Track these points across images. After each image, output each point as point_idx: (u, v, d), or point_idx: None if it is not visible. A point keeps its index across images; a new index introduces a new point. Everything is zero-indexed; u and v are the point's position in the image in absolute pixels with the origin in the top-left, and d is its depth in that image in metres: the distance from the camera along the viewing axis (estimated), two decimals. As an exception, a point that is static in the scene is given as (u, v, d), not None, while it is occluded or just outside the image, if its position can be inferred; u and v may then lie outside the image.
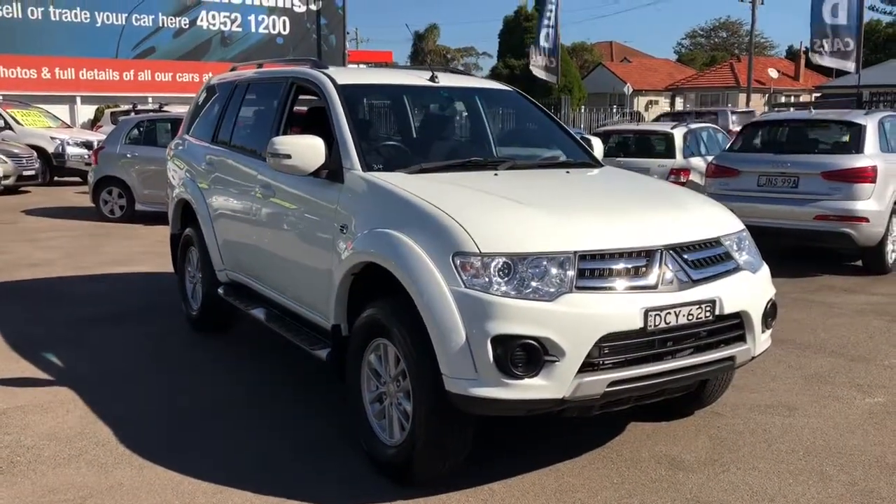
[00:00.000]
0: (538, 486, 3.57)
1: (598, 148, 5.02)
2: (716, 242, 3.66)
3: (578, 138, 4.93)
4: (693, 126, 12.08)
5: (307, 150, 4.08)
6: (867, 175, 8.00)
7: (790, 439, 4.07)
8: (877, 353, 5.60)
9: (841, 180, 8.04)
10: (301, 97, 5.00)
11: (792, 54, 68.00)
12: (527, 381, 3.12)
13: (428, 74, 4.85)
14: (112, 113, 22.06)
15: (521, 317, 3.10)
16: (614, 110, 37.48)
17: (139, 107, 19.73)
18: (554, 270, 3.20)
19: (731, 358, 3.58)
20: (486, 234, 3.25)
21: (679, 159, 11.07)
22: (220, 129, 5.78)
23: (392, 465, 3.57)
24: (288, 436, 4.11)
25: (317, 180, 4.18)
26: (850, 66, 13.90)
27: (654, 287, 3.32)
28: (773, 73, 49.88)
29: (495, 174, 4.09)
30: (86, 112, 27.08)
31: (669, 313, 3.31)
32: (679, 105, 52.05)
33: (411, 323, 3.36)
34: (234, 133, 5.54)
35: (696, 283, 3.44)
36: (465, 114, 4.91)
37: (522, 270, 3.18)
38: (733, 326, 3.58)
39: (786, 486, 3.56)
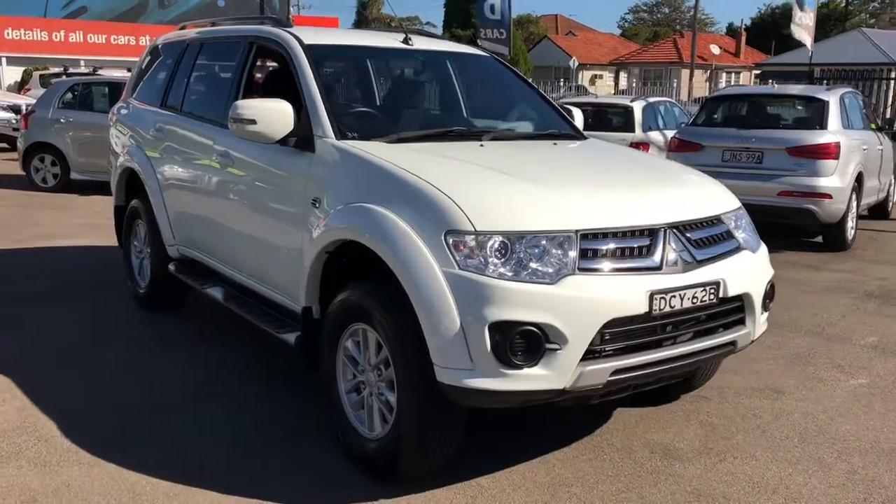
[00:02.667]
0: (529, 479, 3.34)
1: (579, 119, 4.77)
2: (717, 220, 3.45)
3: (560, 108, 4.66)
4: (651, 99, 11.95)
5: (274, 114, 3.72)
6: (830, 151, 7.96)
7: (783, 425, 3.93)
8: (851, 332, 5.53)
9: (805, 156, 7.98)
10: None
11: (732, 31, 69.00)
12: (526, 370, 2.86)
13: (400, 36, 4.50)
14: (41, 75, 20.91)
15: (521, 301, 2.84)
16: (561, 84, 37.33)
17: (71, 70, 18.79)
18: (554, 251, 2.93)
19: (733, 343, 3.39)
20: (481, 210, 2.97)
21: (638, 133, 10.93)
22: (170, 93, 5.34)
23: (373, 460, 3.29)
24: (256, 426, 3.79)
25: (283, 149, 3.83)
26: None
27: (658, 268, 3.09)
28: (716, 50, 50.50)
29: (481, 145, 3.80)
30: (12, 74, 25.70)
31: (674, 296, 3.09)
32: (623, 80, 52.34)
33: (396, 307, 3.07)
34: (186, 98, 5.11)
35: (700, 263, 3.22)
36: (442, 80, 4.58)
37: (520, 251, 2.91)
38: (735, 309, 3.39)
39: (786, 476, 3.40)
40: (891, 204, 10.63)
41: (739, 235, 3.54)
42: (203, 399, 4.10)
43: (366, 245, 3.18)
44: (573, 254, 2.95)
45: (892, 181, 10.52)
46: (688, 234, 3.24)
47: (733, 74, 54.90)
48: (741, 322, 3.43)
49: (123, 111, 6.06)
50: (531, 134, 4.32)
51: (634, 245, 3.09)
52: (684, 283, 3.12)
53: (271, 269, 4.06)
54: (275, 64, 5.03)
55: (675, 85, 37.61)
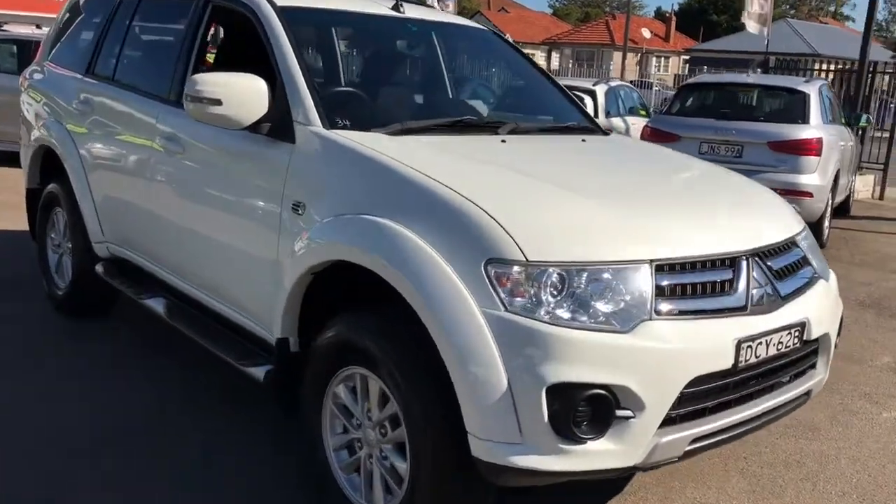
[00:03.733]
0: (563, 559, 2.71)
1: (589, 108, 4.12)
2: (793, 244, 2.86)
3: (571, 95, 3.99)
4: (613, 84, 11.42)
5: (245, 94, 2.93)
6: (812, 147, 7.56)
7: (832, 475, 3.40)
8: (862, 350, 5.09)
9: (787, 152, 7.56)
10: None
11: (660, 15, 69.74)
12: (590, 445, 2.21)
13: (389, 2, 3.74)
14: (-61, 30, 19.01)
15: (589, 356, 2.18)
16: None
17: (-27, 25, 17.10)
18: (626, 288, 2.28)
19: (808, 392, 2.82)
20: (532, 233, 2.28)
21: (601, 119, 10.34)
22: (99, 58, 4.44)
23: (372, 540, 2.60)
24: (213, 481, 3.03)
25: (253, 137, 3.05)
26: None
27: (743, 309, 2.47)
28: (647, 34, 50.68)
29: (502, 141, 3.09)
30: None
31: (760, 343, 2.49)
32: (555, 60, 52.13)
33: (412, 352, 2.38)
34: (120, 65, 4.22)
35: (783, 300, 2.62)
36: (440, 57, 3.83)
37: (582, 287, 2.24)
38: (811, 353, 2.81)
39: (863, 551, 2.87)
40: (851, 201, 10.42)
41: (813, 262, 2.96)
42: (150, 436, 3.31)
43: (373, 270, 2.46)
44: (648, 291, 2.30)
45: (855, 178, 10.32)
46: (769, 263, 2.64)
47: (663, 59, 55.47)
48: (813, 366, 2.86)
49: (38, 76, 5.10)
50: (551, 127, 3.62)
51: (716, 279, 2.46)
52: (772, 327, 2.52)
53: (232, 285, 3.29)
54: (235, 29, 4.20)
55: (609, 67, 37.56)
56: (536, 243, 2.25)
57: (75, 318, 4.69)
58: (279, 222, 2.90)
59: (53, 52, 5.08)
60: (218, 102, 2.91)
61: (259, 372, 3.05)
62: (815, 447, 3.66)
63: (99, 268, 4.33)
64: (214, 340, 3.37)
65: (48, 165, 4.86)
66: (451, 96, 3.79)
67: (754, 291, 2.52)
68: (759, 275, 2.56)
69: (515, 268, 2.23)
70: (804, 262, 2.88)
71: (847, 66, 14.86)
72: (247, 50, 3.47)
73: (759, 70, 12.70)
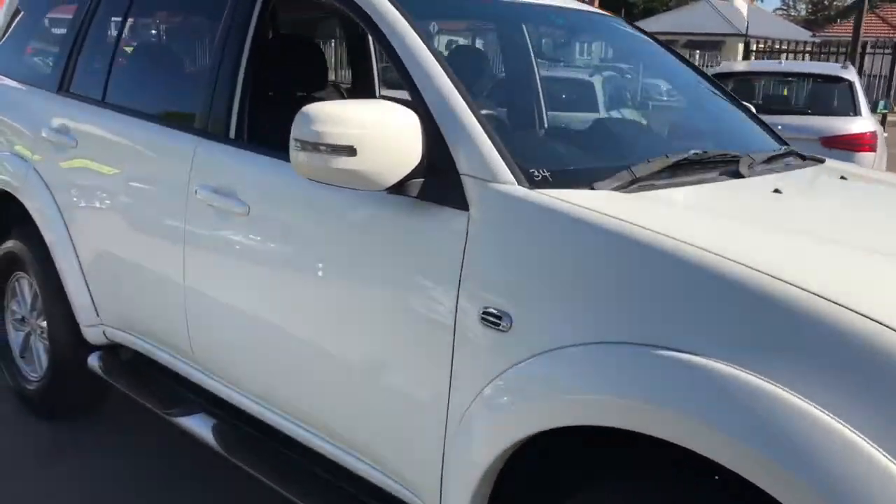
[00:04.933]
0: None
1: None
2: None
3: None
4: (606, 73, 10.49)
5: (393, 137, 1.82)
6: (867, 142, 6.83)
7: None
8: None
9: (841, 147, 6.77)
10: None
11: (580, -3, 69.64)
12: None
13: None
14: None
15: None
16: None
17: None
18: None
19: None
20: None
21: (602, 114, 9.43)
22: (77, 69, 3.21)
23: None
24: None
25: (388, 199, 1.93)
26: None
27: None
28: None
29: (775, 190, 2.05)
30: None
31: None
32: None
33: None
34: (115, 81, 3.00)
35: None
36: (607, 63, 2.77)
37: None
38: None
39: None
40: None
41: None
42: None
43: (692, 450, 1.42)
44: None
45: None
46: None
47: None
48: None
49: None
50: (773, 156, 2.58)
51: None
52: None
53: (353, 425, 2.16)
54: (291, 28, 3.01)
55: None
56: None
57: (54, 419, 3.46)
58: (451, 340, 1.81)
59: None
60: (350, 151, 1.79)
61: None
62: None
63: (94, 361, 3.12)
64: (315, 496, 2.25)
65: (4, 214, 3.59)
66: (641, 119, 2.74)
67: None
68: None
69: None
70: None
71: (777, 48, 14.44)
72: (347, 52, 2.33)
73: (698, 51, 12.09)
